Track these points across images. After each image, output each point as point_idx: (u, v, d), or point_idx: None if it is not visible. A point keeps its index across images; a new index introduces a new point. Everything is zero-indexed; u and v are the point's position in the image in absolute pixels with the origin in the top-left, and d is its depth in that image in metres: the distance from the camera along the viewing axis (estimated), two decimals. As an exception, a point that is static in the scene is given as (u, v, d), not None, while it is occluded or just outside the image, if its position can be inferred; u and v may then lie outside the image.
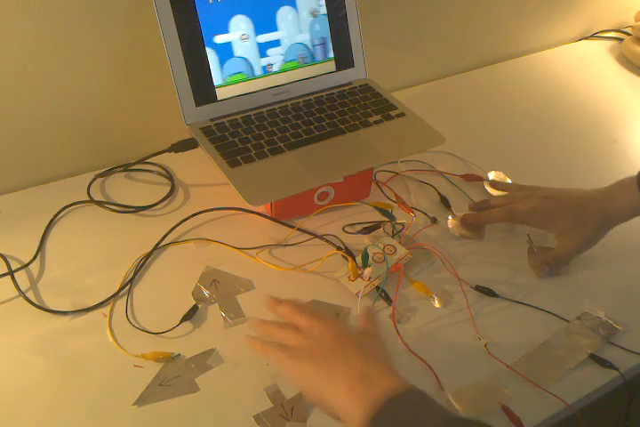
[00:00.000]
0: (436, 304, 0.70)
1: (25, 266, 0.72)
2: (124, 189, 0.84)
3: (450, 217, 0.81)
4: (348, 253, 0.73)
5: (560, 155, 0.95)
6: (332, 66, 0.86)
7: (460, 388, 0.62)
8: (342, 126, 0.81)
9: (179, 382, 0.62)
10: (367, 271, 0.70)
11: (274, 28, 0.80)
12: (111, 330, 0.66)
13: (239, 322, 0.68)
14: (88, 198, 0.82)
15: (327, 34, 0.84)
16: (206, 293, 0.71)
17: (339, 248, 0.74)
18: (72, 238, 0.77)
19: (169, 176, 0.86)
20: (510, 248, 0.78)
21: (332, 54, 0.85)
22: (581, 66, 1.19)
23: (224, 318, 0.68)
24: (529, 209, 0.74)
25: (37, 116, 0.80)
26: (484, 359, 0.65)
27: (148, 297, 0.70)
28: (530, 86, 1.12)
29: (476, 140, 0.97)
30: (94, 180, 0.84)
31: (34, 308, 0.68)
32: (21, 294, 0.69)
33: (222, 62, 0.77)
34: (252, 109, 0.82)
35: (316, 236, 0.77)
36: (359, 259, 0.71)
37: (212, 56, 0.76)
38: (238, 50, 0.78)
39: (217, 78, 0.78)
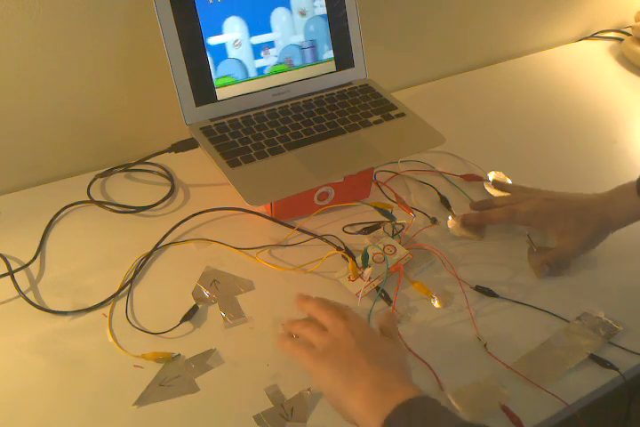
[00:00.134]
0: (436, 304, 0.70)
1: (25, 266, 0.72)
2: (123, 189, 0.84)
3: (450, 217, 0.81)
4: (348, 253, 0.73)
5: (560, 155, 0.95)
6: (331, 66, 0.86)
7: (459, 388, 0.62)
8: (342, 126, 0.81)
9: (179, 382, 0.62)
10: (367, 271, 0.70)
11: (269, 30, 0.80)
12: (111, 330, 0.66)
13: (239, 322, 0.68)
14: (88, 198, 0.82)
15: (318, 36, 0.83)
16: (206, 293, 0.71)
17: (339, 248, 0.74)
18: (72, 238, 0.77)
19: (169, 176, 0.86)
20: (510, 248, 0.78)
21: (324, 57, 0.84)
22: (581, 66, 1.19)
23: (224, 318, 0.68)
24: (530, 210, 0.74)
25: (37, 116, 0.80)
26: (484, 359, 0.65)
27: (148, 297, 0.70)
28: (530, 86, 1.12)
29: (476, 140, 0.97)
30: (94, 180, 0.84)
31: (34, 308, 0.68)
32: (21, 294, 0.69)
33: (216, 64, 0.77)
34: (251, 109, 0.82)
35: (316, 236, 0.77)
36: (359, 259, 0.71)
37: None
38: (232, 51, 0.78)
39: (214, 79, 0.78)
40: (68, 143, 0.85)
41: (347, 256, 0.72)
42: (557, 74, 1.16)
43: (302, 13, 0.80)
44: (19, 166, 0.83)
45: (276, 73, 0.82)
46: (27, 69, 0.75)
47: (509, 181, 0.87)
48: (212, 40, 0.76)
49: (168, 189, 0.84)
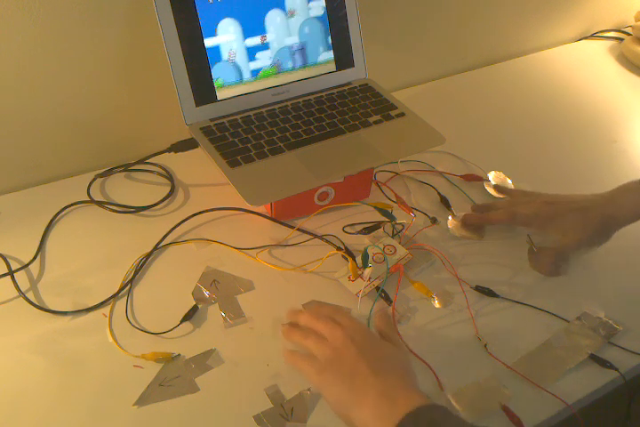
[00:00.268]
0: (436, 304, 0.70)
1: (25, 266, 0.72)
2: (124, 189, 0.84)
3: (450, 217, 0.81)
4: (348, 253, 0.73)
5: (560, 155, 0.95)
6: (331, 66, 0.86)
7: (460, 388, 0.62)
8: (342, 126, 0.81)
9: (179, 382, 0.62)
10: (367, 271, 0.70)
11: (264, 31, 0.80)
12: (111, 330, 0.66)
13: (239, 322, 0.68)
14: (88, 198, 0.82)
15: (308, 39, 0.82)
16: (206, 293, 0.71)
17: (339, 248, 0.74)
18: (72, 238, 0.77)
19: (169, 176, 0.86)
20: (510, 248, 0.78)
21: (312, 61, 0.84)
22: (581, 66, 1.19)
23: (224, 318, 0.68)
24: (531, 213, 0.74)
25: (37, 116, 0.80)
26: (484, 359, 0.65)
27: (148, 297, 0.70)
28: (530, 86, 1.12)
29: (476, 140, 0.97)
30: (94, 180, 0.84)
31: (34, 308, 0.68)
32: (21, 294, 0.69)
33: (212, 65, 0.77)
34: (251, 109, 0.82)
35: (316, 236, 0.77)
36: (359, 259, 0.71)
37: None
38: (225, 53, 0.78)
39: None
40: (68, 143, 0.85)
41: (347, 256, 0.72)
42: (557, 74, 1.16)
43: (292, 14, 0.80)
44: (19, 166, 0.83)
45: (261, 78, 0.81)
46: (27, 69, 0.75)
47: (509, 181, 0.87)
48: (212, 40, 0.76)
49: (168, 189, 0.84)
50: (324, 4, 0.82)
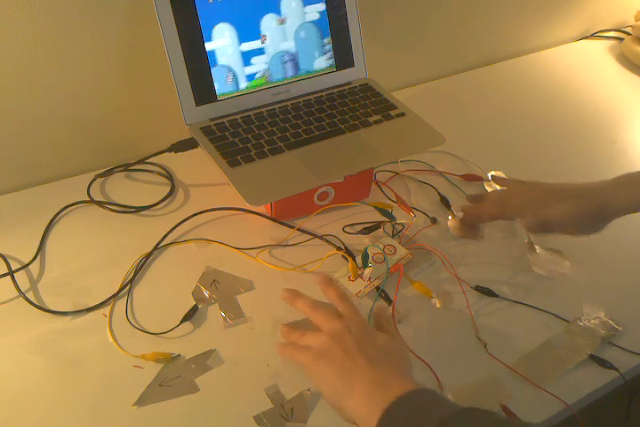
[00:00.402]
0: (436, 304, 0.70)
1: (25, 266, 0.72)
2: (124, 189, 0.84)
3: (450, 217, 0.81)
4: (348, 253, 0.73)
5: (560, 155, 0.95)
6: (331, 66, 0.86)
7: (459, 388, 0.62)
8: (342, 126, 0.81)
9: (179, 382, 0.62)
10: (367, 271, 0.70)
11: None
12: (111, 330, 0.66)
13: (239, 322, 0.68)
14: (88, 198, 0.82)
15: (297, 49, 0.82)
16: (206, 293, 0.71)
17: (339, 248, 0.74)
18: (72, 238, 0.77)
19: (169, 176, 0.86)
20: (510, 248, 0.78)
21: (304, 69, 0.83)
22: (581, 66, 1.19)
23: (224, 318, 0.68)
24: (521, 202, 0.71)
25: (37, 116, 0.80)
26: (484, 359, 0.65)
27: (148, 297, 0.70)
28: (530, 86, 1.12)
29: (476, 140, 0.97)
30: (94, 180, 0.84)
31: (34, 308, 0.68)
32: (21, 294, 0.69)
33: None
34: (251, 109, 0.82)
35: (316, 236, 0.77)
36: (359, 259, 0.71)
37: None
38: (222, 58, 0.77)
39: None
40: (68, 143, 0.85)
41: (347, 256, 0.72)
42: (557, 74, 1.16)
43: (282, 22, 0.79)
44: (19, 166, 0.83)
45: (252, 88, 0.81)
46: (27, 69, 0.75)
47: (509, 181, 0.87)
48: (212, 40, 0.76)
49: (168, 189, 0.84)
50: (325, 6, 0.82)
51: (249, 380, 0.62)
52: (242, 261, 0.75)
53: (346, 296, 0.60)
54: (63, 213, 0.80)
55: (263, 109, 0.82)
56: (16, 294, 0.69)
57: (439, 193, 0.85)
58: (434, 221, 0.80)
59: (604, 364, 0.64)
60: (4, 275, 0.70)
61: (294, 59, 0.82)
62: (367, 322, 0.58)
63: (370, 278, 0.70)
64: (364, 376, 0.51)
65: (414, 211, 0.80)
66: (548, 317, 0.70)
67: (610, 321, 0.68)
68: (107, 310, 0.69)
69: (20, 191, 0.84)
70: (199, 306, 0.69)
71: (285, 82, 0.83)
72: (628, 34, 1.26)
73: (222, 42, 0.76)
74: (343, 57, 0.87)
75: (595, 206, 0.68)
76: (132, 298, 0.70)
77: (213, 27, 0.75)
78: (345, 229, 0.77)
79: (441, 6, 1.03)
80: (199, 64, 0.76)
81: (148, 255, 0.74)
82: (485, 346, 0.66)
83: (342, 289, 0.60)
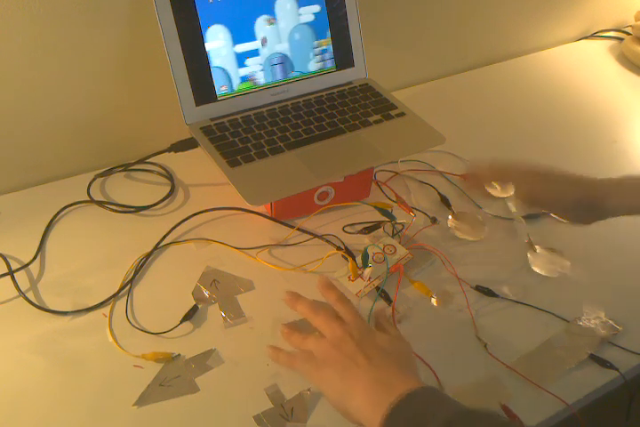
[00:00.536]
0: (436, 304, 0.70)
1: (25, 266, 0.72)
2: (124, 189, 0.84)
3: (450, 217, 0.81)
4: (348, 253, 0.73)
5: (560, 155, 0.95)
6: (331, 66, 0.86)
7: (459, 388, 0.62)
8: (342, 126, 0.81)
9: (179, 382, 0.62)
10: (367, 271, 0.70)
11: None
12: (111, 330, 0.66)
13: (239, 322, 0.68)
14: (88, 198, 0.81)
15: (288, 52, 0.82)
16: (206, 293, 0.71)
17: (339, 248, 0.74)
18: (72, 238, 0.77)
19: (169, 176, 0.86)
20: (510, 248, 0.78)
21: (292, 73, 0.83)
22: (581, 66, 1.19)
23: (224, 318, 0.68)
24: (524, 171, 0.70)
25: (37, 115, 0.80)
26: (484, 359, 0.65)
27: (148, 297, 0.70)
28: (530, 86, 1.12)
29: (476, 140, 0.97)
30: (94, 180, 0.84)
31: (34, 308, 0.68)
32: (21, 294, 0.69)
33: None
34: (251, 109, 0.82)
35: (316, 236, 0.77)
36: (359, 259, 0.71)
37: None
38: (216, 60, 0.77)
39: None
40: (68, 143, 0.85)
41: (347, 256, 0.72)
42: (557, 74, 1.16)
43: (270, 22, 0.79)
44: (19, 166, 0.83)
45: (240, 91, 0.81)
46: (27, 69, 0.75)
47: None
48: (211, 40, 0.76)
49: (168, 188, 0.84)
50: (326, 7, 0.82)
51: (249, 380, 0.62)
52: (242, 260, 0.75)
53: (346, 299, 0.60)
54: (63, 212, 0.80)
55: (263, 109, 0.82)
56: (16, 293, 0.69)
57: (439, 193, 0.85)
58: (434, 220, 0.80)
59: (604, 364, 0.64)
60: (4, 275, 0.70)
61: (295, 58, 0.82)
62: (367, 324, 0.58)
63: (370, 278, 0.70)
64: (367, 376, 0.51)
65: (414, 211, 0.79)
66: (547, 317, 0.70)
67: (610, 321, 0.68)
68: (107, 309, 0.69)
69: (20, 191, 0.84)
70: (199, 306, 0.69)
71: (285, 82, 0.83)
72: (628, 34, 1.26)
73: (218, 43, 0.76)
74: (343, 57, 0.87)
75: (591, 198, 0.67)
76: (131, 298, 0.70)
77: (217, 23, 0.75)
78: (345, 228, 0.77)
79: (441, 5, 1.03)
80: (199, 64, 0.76)
81: (148, 255, 0.74)
82: (485, 346, 0.66)
83: (342, 292, 0.60)
